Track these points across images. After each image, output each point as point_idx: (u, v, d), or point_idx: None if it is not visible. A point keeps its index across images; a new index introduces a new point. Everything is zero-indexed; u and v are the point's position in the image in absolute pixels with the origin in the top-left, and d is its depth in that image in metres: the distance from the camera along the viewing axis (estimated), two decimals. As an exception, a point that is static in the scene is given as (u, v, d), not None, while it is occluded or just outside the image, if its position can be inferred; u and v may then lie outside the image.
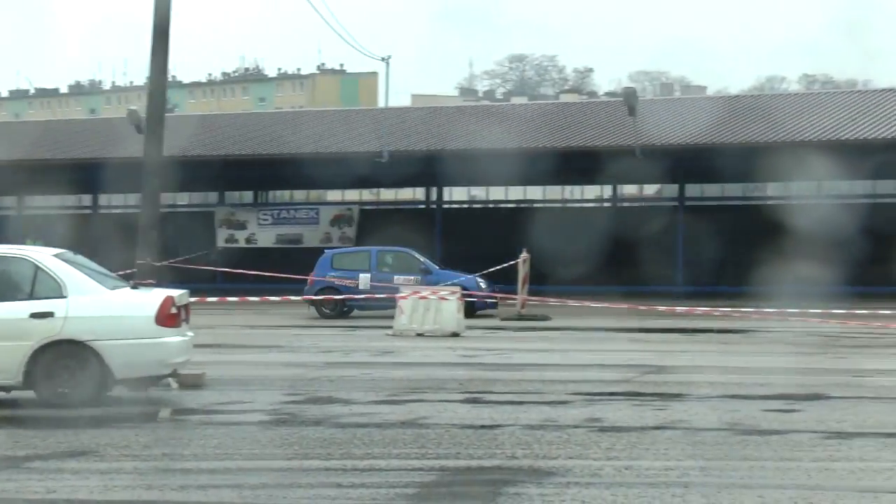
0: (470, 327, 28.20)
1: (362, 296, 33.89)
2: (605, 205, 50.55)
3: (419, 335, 27.15)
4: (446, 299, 27.83)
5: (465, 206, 53.28)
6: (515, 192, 51.70)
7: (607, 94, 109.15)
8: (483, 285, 34.59)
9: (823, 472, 11.03)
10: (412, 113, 52.52)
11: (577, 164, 43.20)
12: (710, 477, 10.83)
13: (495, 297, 34.47)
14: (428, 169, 44.98)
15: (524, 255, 33.35)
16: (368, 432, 13.19)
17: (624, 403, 15.53)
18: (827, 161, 37.07)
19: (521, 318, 32.66)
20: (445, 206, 50.37)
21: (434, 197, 50.00)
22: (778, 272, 34.28)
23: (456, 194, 52.66)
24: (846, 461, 11.50)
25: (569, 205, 51.62)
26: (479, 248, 39.65)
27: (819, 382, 17.54)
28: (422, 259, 35.47)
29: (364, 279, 34.36)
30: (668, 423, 13.76)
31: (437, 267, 35.56)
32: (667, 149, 40.45)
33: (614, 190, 50.13)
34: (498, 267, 34.56)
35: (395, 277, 34.42)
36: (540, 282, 36.30)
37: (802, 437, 12.82)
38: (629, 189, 52.56)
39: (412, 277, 34.40)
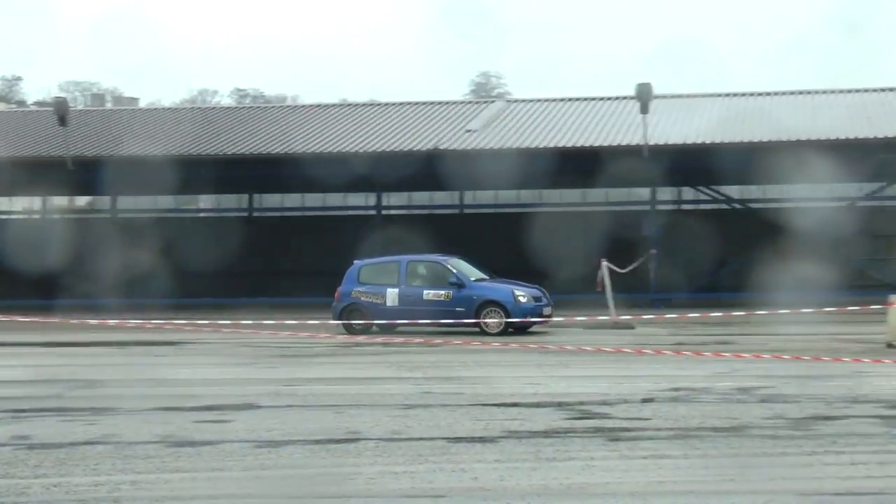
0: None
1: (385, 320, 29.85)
2: (34, 216, 49.54)
3: None
4: None
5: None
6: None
7: (37, 103, 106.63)
8: (524, 299, 29.79)
9: (254, 480, 11.18)
10: None
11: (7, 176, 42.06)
12: (142, 490, 10.73)
13: (544, 310, 30.10)
14: None
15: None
16: None
17: (53, 419, 15.15)
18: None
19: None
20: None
21: None
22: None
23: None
24: (276, 468, 11.71)
25: (11, 217, 50.14)
26: None
27: (250, 392, 17.80)
28: (454, 270, 30.37)
29: (392, 295, 30.14)
30: (99, 437, 13.54)
31: (471, 279, 30.37)
32: (100, 160, 40.13)
33: (43, 203, 49.36)
34: None
35: (425, 293, 30.06)
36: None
37: (234, 446, 12.95)
38: (60, 201, 51.74)
39: (442, 293, 29.98)
